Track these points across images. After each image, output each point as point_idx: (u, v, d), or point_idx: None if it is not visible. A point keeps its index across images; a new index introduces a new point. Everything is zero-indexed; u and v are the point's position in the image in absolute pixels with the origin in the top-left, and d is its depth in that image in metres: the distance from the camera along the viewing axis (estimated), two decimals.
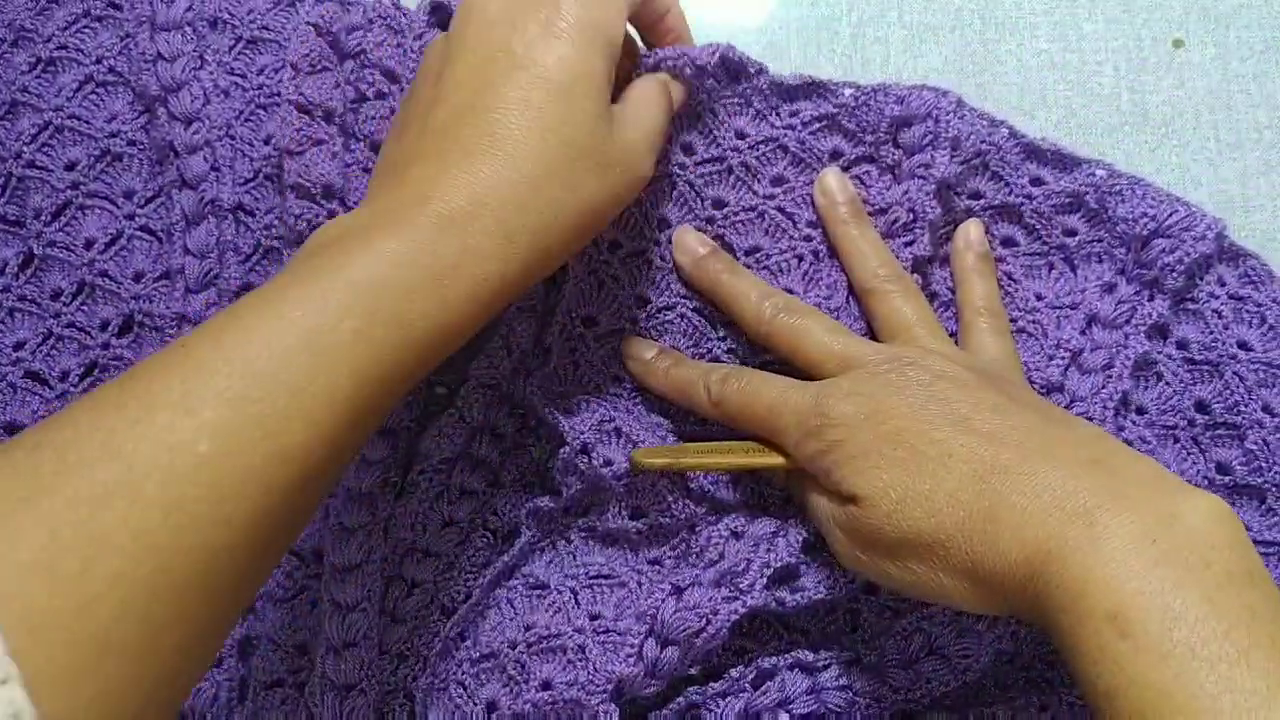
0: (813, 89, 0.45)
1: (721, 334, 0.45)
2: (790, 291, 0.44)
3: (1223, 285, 0.45)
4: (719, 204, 0.45)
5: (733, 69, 0.44)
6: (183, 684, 0.29)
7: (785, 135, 0.45)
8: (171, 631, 0.27)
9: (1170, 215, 0.43)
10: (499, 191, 0.34)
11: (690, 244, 0.44)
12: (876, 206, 0.45)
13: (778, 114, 0.45)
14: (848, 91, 0.45)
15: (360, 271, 0.32)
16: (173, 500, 0.27)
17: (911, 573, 0.36)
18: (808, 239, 0.45)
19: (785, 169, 0.45)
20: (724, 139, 0.44)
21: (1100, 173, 0.45)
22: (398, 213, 0.34)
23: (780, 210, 0.45)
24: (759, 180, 0.45)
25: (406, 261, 0.33)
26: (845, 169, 0.45)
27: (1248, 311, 0.45)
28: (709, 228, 0.45)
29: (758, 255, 0.45)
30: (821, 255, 0.45)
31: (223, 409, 0.29)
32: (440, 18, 0.47)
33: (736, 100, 0.44)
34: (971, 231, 0.45)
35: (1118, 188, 0.44)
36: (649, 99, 0.40)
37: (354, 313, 0.31)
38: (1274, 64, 0.50)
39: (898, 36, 0.50)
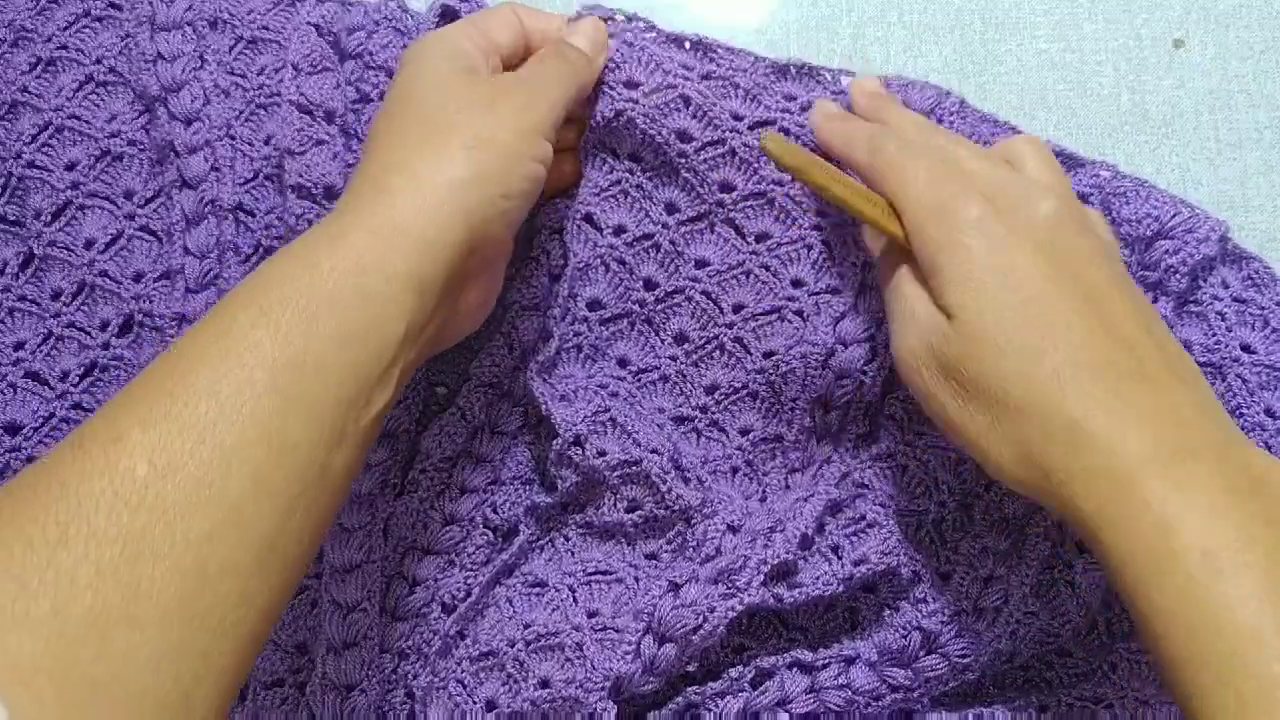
0: (803, 74, 0.46)
1: (729, 319, 0.46)
2: (799, 281, 0.45)
3: (1226, 288, 0.45)
4: (726, 187, 0.45)
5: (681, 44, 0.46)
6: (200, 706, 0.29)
7: (783, 118, 0.45)
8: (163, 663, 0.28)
9: (1174, 217, 0.44)
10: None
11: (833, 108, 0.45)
12: None
13: (769, 93, 0.45)
14: (845, 80, 0.46)
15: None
16: (125, 531, 0.28)
17: (968, 417, 0.35)
18: (818, 228, 0.45)
19: None
20: (721, 121, 0.45)
21: (1104, 174, 0.45)
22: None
23: (789, 197, 0.45)
24: (764, 164, 0.45)
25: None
26: None
27: (1251, 314, 0.45)
28: (719, 210, 0.45)
29: (768, 242, 0.45)
30: (833, 244, 0.45)
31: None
32: (448, 22, 0.48)
33: (720, 84, 0.45)
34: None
35: (1121, 189, 0.45)
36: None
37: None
38: (1274, 64, 0.50)
39: (898, 36, 0.51)
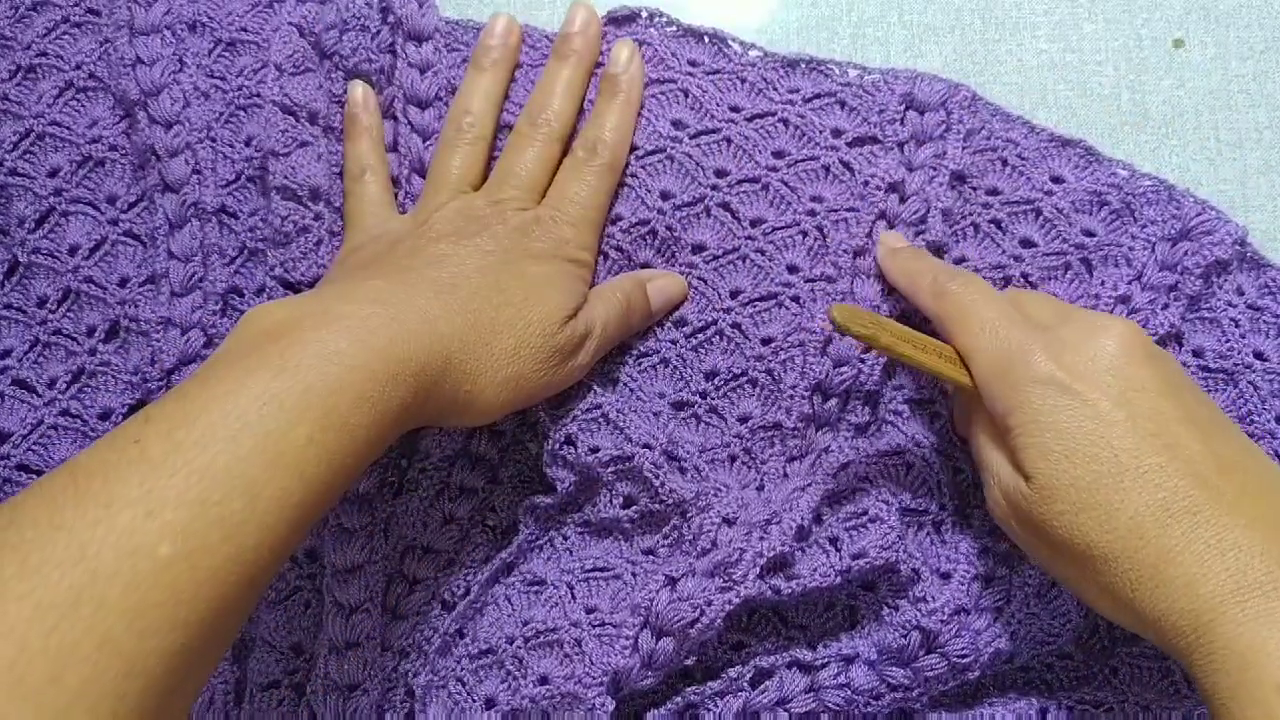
0: (812, 68, 0.50)
1: (727, 304, 0.49)
2: (794, 267, 0.48)
3: (1241, 294, 0.48)
4: (720, 173, 0.49)
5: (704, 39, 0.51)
6: None
7: (785, 110, 0.49)
8: None
9: (1196, 217, 0.47)
10: (451, 325, 0.41)
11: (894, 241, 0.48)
12: (887, 183, 0.48)
13: (775, 89, 0.50)
14: (853, 72, 0.50)
15: (316, 374, 0.36)
16: (135, 605, 0.30)
17: (1060, 568, 0.39)
18: (811, 213, 0.49)
19: (786, 142, 0.49)
20: (717, 113, 0.49)
21: (1122, 173, 0.49)
22: (353, 311, 0.38)
23: (784, 183, 0.49)
24: (760, 152, 0.49)
25: (358, 365, 0.37)
26: (849, 146, 0.49)
27: (1265, 322, 0.48)
28: (713, 194, 0.49)
29: (762, 226, 0.49)
30: (826, 230, 0.48)
31: (183, 511, 0.31)
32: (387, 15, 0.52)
33: (727, 77, 0.50)
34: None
35: (1142, 189, 0.48)
36: (607, 305, 0.46)
37: (308, 418, 0.35)
38: (1274, 64, 0.53)
39: (898, 37, 0.54)
